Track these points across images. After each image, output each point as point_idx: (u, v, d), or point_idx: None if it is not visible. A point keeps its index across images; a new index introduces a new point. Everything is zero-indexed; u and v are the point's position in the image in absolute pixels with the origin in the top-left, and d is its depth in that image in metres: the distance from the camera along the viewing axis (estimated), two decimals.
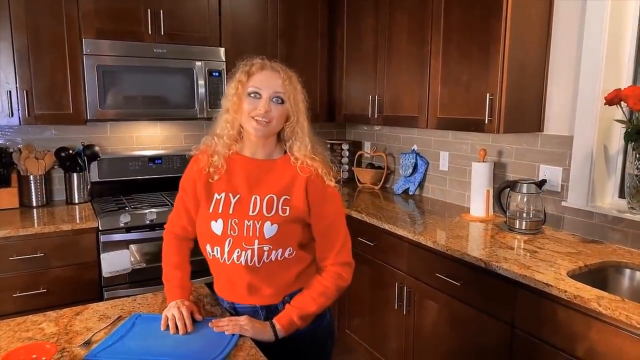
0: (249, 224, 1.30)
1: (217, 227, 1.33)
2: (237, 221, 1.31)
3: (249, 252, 1.30)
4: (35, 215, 2.56)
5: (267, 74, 1.32)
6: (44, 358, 1.09)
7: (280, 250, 1.31)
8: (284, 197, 1.32)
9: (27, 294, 2.30)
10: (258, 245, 1.29)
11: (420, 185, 3.06)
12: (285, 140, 1.36)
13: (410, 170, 3.04)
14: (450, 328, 2.07)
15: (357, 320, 2.73)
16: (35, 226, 2.34)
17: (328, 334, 1.48)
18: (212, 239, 1.34)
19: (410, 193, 3.07)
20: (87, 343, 1.20)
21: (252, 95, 1.29)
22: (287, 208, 1.31)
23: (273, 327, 1.30)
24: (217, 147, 1.36)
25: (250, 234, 1.30)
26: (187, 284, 1.44)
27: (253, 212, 1.31)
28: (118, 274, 2.47)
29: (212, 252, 1.35)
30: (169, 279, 1.43)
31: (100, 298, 2.44)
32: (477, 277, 1.90)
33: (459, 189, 2.80)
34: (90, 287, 2.44)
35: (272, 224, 1.30)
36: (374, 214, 2.57)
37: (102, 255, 2.44)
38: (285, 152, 1.37)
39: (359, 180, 3.42)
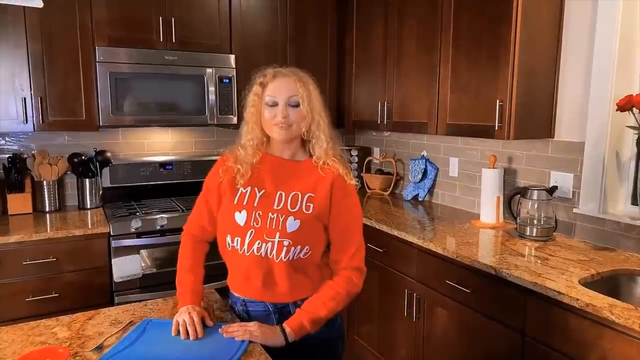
0: (272, 216, 1.34)
1: (240, 218, 1.36)
2: (261, 213, 1.35)
3: (269, 244, 1.33)
4: (48, 220, 2.60)
5: (279, 81, 1.36)
6: None
7: (299, 247, 1.33)
8: (309, 194, 1.36)
9: (39, 298, 2.33)
10: (279, 238, 1.32)
11: (430, 191, 3.05)
12: (307, 141, 1.41)
13: (420, 176, 3.04)
14: (460, 336, 2.06)
15: (367, 326, 2.72)
16: (48, 231, 2.36)
17: (338, 339, 1.49)
18: (234, 230, 1.37)
19: (420, 199, 3.06)
20: (99, 348, 1.21)
21: (270, 104, 1.35)
22: (311, 205, 1.35)
23: (283, 331, 1.31)
24: (242, 157, 1.41)
25: (273, 227, 1.33)
26: (199, 288, 1.45)
27: (278, 206, 1.35)
28: (129, 279, 2.49)
29: (232, 243, 1.37)
30: (181, 283, 1.44)
31: (111, 303, 2.46)
32: (488, 284, 1.88)
33: (469, 195, 2.79)
34: (101, 292, 2.46)
35: (295, 219, 1.33)
36: (383, 220, 2.57)
37: (113, 260, 2.46)
38: (310, 154, 1.41)
39: (368, 186, 3.42)
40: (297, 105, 1.34)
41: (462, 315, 2.03)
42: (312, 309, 1.34)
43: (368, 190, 3.41)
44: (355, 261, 1.40)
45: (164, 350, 1.21)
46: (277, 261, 1.33)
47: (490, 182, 2.41)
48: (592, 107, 2.10)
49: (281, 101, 1.34)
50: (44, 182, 2.73)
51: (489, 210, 2.41)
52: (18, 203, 2.67)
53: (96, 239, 2.45)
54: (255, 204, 1.37)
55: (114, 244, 2.47)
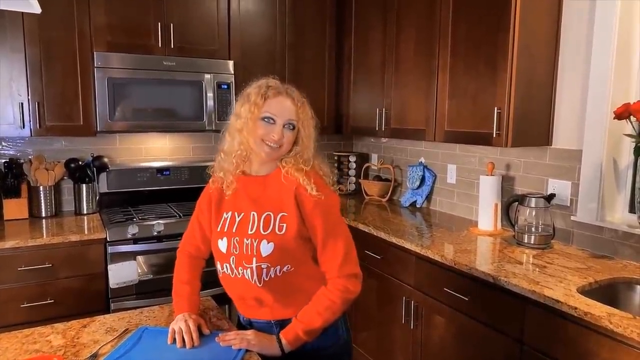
0: (247, 242, 1.32)
1: (222, 245, 1.37)
2: (238, 239, 1.34)
3: (249, 270, 1.31)
4: (44, 225, 2.58)
5: (282, 100, 1.33)
6: None
7: (278, 267, 1.31)
8: (281, 213, 1.32)
9: (34, 305, 2.31)
10: (256, 263, 1.30)
11: (428, 198, 3.05)
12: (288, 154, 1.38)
13: (418, 183, 3.03)
14: (457, 343, 2.05)
15: (364, 333, 2.71)
16: (44, 237, 2.35)
17: (343, 353, 1.47)
18: (220, 257, 1.38)
19: (418, 206, 3.06)
20: (94, 356, 1.20)
21: (266, 120, 1.32)
22: (284, 225, 1.31)
23: (279, 341, 1.30)
24: (224, 165, 1.39)
25: (249, 252, 1.31)
26: (196, 298, 1.45)
27: (251, 230, 1.33)
28: (125, 285, 2.47)
29: (222, 269, 1.38)
30: (178, 294, 1.44)
31: (107, 309, 2.44)
32: (486, 292, 1.88)
33: (467, 202, 2.79)
34: (97, 298, 2.45)
35: (268, 242, 1.30)
36: (381, 226, 2.56)
37: (109, 267, 2.45)
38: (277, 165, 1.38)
39: (366, 192, 3.42)
40: (292, 129, 1.34)
41: (460, 323, 2.02)
42: (307, 319, 1.32)
43: (366, 197, 3.40)
44: (347, 269, 1.34)
45: (160, 358, 1.20)
46: (260, 285, 1.32)
47: (488, 189, 2.41)
48: (589, 115, 2.11)
49: (280, 121, 1.32)
50: (41, 188, 2.72)
51: (487, 217, 2.41)
52: (14, 208, 2.66)
53: (92, 245, 2.43)
54: (233, 230, 1.36)
55: (110, 249, 2.45)
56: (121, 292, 2.47)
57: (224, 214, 1.40)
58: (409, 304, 2.30)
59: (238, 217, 1.37)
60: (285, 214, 1.32)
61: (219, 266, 1.39)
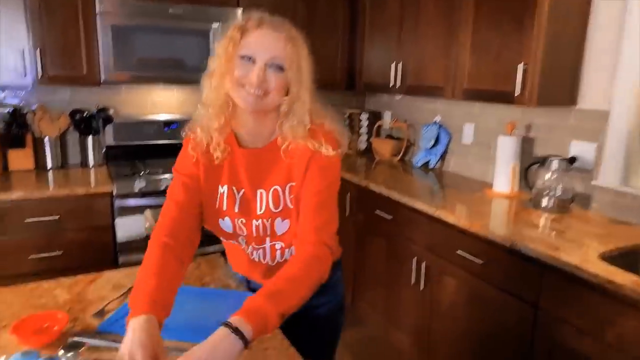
0: (257, 223, 1.16)
1: (225, 225, 1.20)
2: (244, 221, 1.17)
3: (261, 251, 1.22)
4: (50, 177, 2.54)
5: (265, 33, 1.06)
6: (56, 327, 1.06)
7: (293, 247, 1.17)
8: (290, 184, 1.13)
9: (42, 256, 2.30)
10: (270, 242, 1.19)
11: (442, 158, 2.96)
12: (280, 115, 1.11)
13: (432, 143, 2.94)
14: (469, 306, 2.02)
15: (372, 293, 2.70)
16: (50, 189, 2.31)
17: (338, 312, 1.40)
18: (225, 235, 1.24)
19: (431, 166, 2.98)
20: (100, 313, 1.17)
21: (245, 58, 1.05)
22: (293, 196, 1.13)
23: (237, 332, 0.87)
24: (205, 121, 1.14)
25: (261, 233, 1.18)
26: (165, 297, 1.00)
27: (260, 210, 1.15)
28: (132, 239, 2.45)
29: (229, 241, 1.27)
30: (137, 287, 1.00)
31: (114, 263, 2.44)
32: (501, 255, 1.83)
33: (483, 164, 2.70)
34: (104, 252, 2.43)
35: (283, 220, 1.15)
36: (392, 186, 2.49)
37: (116, 220, 2.42)
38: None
39: (377, 151, 3.33)
40: (280, 70, 1.05)
41: (473, 286, 1.98)
42: (282, 300, 0.96)
43: (377, 156, 3.32)
44: (324, 235, 1.10)
45: (172, 315, 1.15)
46: (273, 264, 1.23)
47: (506, 150, 2.31)
48: (621, 75, 1.98)
49: (260, 60, 1.04)
50: (46, 139, 2.65)
51: (504, 179, 2.33)
52: (19, 159, 2.61)
53: (99, 198, 2.39)
54: (236, 210, 1.16)
55: (117, 203, 2.42)
56: (129, 246, 2.46)
57: (219, 188, 1.17)
58: (419, 266, 2.26)
59: (238, 193, 1.16)
60: (294, 183, 1.13)
61: (223, 239, 1.26)
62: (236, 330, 0.86)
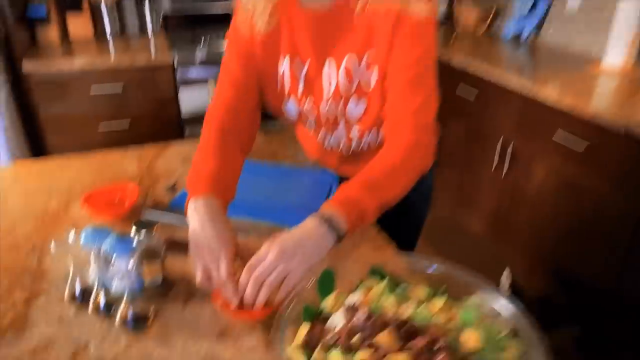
0: (326, 105, 0.97)
1: (290, 109, 1.01)
2: (311, 103, 0.98)
3: (333, 138, 1.05)
4: (110, 46, 2.42)
5: None
6: (127, 201, 0.99)
7: (374, 130, 0.99)
8: (369, 51, 0.89)
9: (110, 130, 2.29)
10: (344, 127, 1.01)
11: (538, 27, 2.54)
12: None
13: (529, 7, 2.50)
14: (559, 196, 1.83)
15: (444, 175, 2.54)
16: (112, 60, 2.20)
17: (424, 201, 1.27)
18: (292, 121, 1.07)
19: (524, 37, 2.58)
20: (172, 188, 1.09)
21: None
22: (376, 67, 0.90)
23: (333, 228, 0.76)
24: None
25: (331, 118, 1.00)
26: (226, 175, 0.89)
27: (330, 87, 0.94)
28: (198, 110, 2.37)
29: (298, 125, 1.14)
30: (195, 169, 0.89)
31: (181, 134, 2.40)
32: (608, 141, 1.58)
33: (590, 34, 2.27)
34: (170, 123, 2.39)
35: (358, 100, 0.94)
36: (477, 60, 2.18)
37: (180, 91, 2.32)
38: None
39: (459, 19, 2.92)
40: None
41: (568, 175, 1.77)
42: (381, 192, 0.83)
43: (458, 25, 2.92)
44: (425, 117, 0.90)
45: (243, 193, 1.01)
46: (348, 153, 1.08)
47: (627, 15, 1.91)
48: None
49: None
50: (102, 4, 2.49)
51: (619, 51, 1.96)
52: (77, 25, 2.49)
53: (161, 71, 2.28)
54: (300, 89, 0.96)
55: (180, 74, 2.30)
56: (195, 117, 2.38)
57: (280, 65, 0.95)
58: (504, 149, 2.05)
59: (302, 66, 0.94)
60: (374, 49, 0.89)
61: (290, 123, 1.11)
62: (330, 222, 0.74)
